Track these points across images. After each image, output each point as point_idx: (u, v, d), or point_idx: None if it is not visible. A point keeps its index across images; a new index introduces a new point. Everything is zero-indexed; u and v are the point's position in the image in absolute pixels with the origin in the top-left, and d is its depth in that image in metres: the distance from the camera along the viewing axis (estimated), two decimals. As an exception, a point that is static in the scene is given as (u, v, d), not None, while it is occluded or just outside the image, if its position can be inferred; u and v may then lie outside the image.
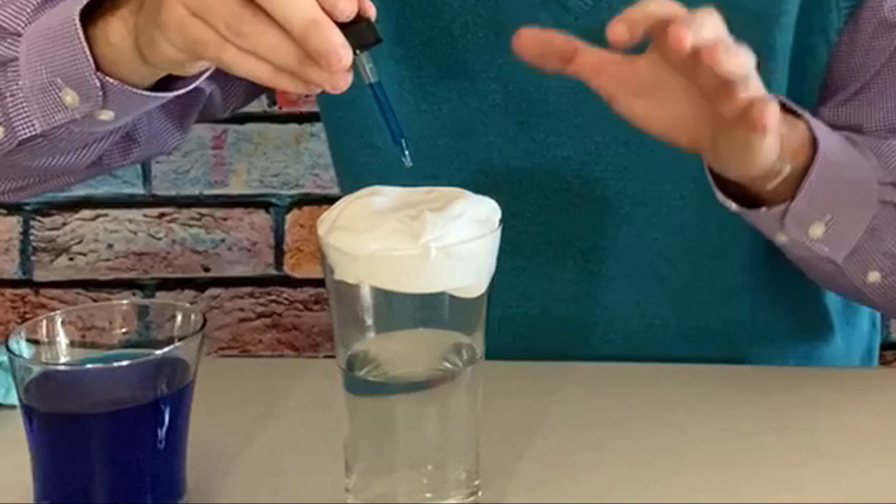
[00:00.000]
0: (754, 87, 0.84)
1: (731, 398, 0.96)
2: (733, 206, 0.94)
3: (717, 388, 0.97)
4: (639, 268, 1.07)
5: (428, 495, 0.80)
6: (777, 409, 0.95)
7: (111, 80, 0.86)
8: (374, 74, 0.79)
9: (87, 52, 0.86)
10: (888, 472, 0.87)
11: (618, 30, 0.83)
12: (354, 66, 0.77)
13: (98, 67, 0.86)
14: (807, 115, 0.95)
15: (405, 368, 0.80)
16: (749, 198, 0.94)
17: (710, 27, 0.82)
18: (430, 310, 0.77)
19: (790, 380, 1.00)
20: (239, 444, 0.90)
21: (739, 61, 0.82)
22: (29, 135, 0.91)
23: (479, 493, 0.82)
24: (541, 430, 0.91)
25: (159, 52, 0.82)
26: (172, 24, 0.79)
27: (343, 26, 0.76)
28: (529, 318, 1.08)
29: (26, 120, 0.90)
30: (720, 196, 0.94)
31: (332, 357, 0.81)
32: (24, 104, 0.90)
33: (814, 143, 0.93)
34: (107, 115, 0.89)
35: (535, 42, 0.87)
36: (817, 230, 0.95)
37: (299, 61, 0.76)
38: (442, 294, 0.77)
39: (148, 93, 0.88)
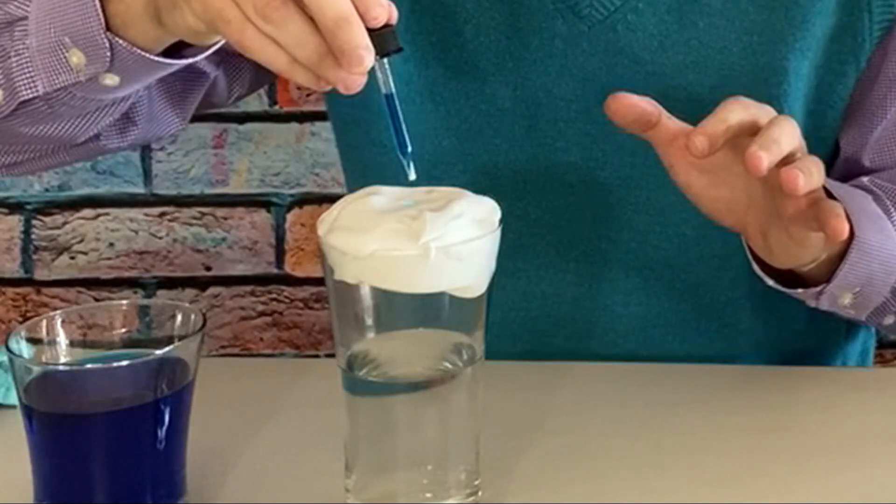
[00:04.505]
0: (819, 190, 0.87)
1: (730, 398, 0.96)
2: (770, 281, 0.98)
3: (717, 388, 0.97)
4: (640, 273, 1.07)
5: (428, 495, 0.80)
6: (775, 408, 0.95)
7: (120, 41, 0.84)
8: (390, 83, 0.78)
9: (99, 10, 0.84)
10: (886, 472, 0.87)
11: (698, 143, 0.85)
12: (371, 72, 0.77)
13: (108, 28, 0.84)
14: (839, 188, 0.96)
15: (405, 368, 0.80)
16: (783, 269, 0.97)
17: (787, 141, 0.85)
18: (430, 310, 0.77)
19: (788, 380, 1.00)
20: (239, 444, 0.90)
21: (814, 182, 0.85)
22: (30, 95, 0.89)
23: (479, 493, 0.82)
24: (541, 430, 0.91)
25: (178, 18, 0.80)
26: None
27: (369, 31, 0.75)
28: (530, 319, 1.08)
29: (29, 80, 0.88)
30: (758, 271, 0.97)
31: (334, 356, 0.81)
32: (29, 64, 0.88)
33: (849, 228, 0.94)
34: (111, 79, 0.87)
35: (626, 109, 0.90)
36: (846, 300, 0.98)
37: (319, 56, 0.75)
38: (442, 294, 0.77)
39: (155, 57, 0.86)
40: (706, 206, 0.93)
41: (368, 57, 0.75)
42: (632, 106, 0.90)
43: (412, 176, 0.80)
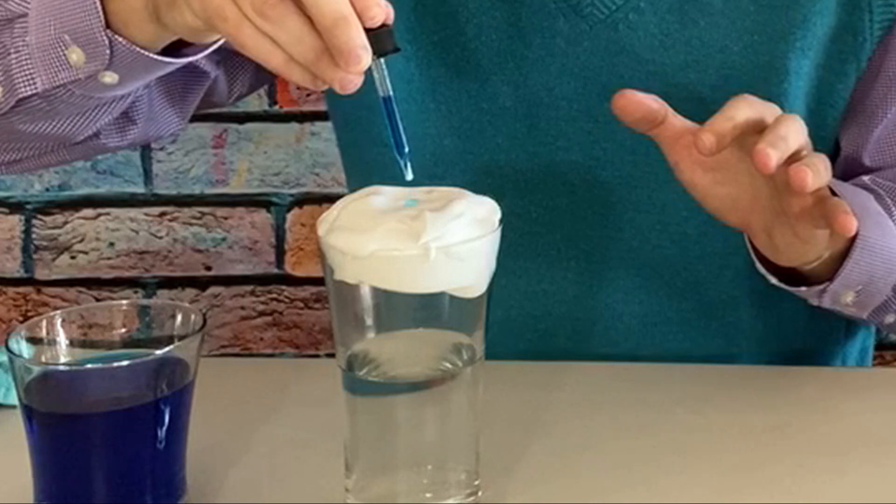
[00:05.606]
0: (825, 187, 0.87)
1: (731, 398, 0.96)
2: (773, 280, 0.98)
3: (717, 387, 0.97)
4: (641, 272, 1.07)
5: (428, 495, 0.80)
6: (775, 408, 0.95)
7: (119, 39, 0.84)
8: (387, 83, 0.78)
9: (99, 8, 0.84)
10: (886, 472, 0.87)
11: (706, 141, 0.85)
12: (368, 72, 0.77)
13: (107, 26, 0.84)
14: (841, 187, 0.96)
15: (405, 368, 0.80)
16: (785, 267, 0.97)
17: (794, 138, 0.85)
18: (430, 310, 0.77)
19: (788, 379, 1.00)
20: (239, 444, 0.90)
21: (821, 179, 0.85)
22: (29, 92, 0.89)
23: (479, 493, 0.82)
24: (541, 430, 0.91)
25: (177, 16, 0.80)
26: None
27: (366, 31, 0.75)
28: (531, 318, 1.08)
29: (28, 77, 0.89)
30: (761, 269, 0.97)
31: (334, 356, 0.81)
32: (28, 61, 0.88)
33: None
34: (111, 77, 0.87)
35: (633, 106, 0.90)
36: (848, 298, 0.98)
37: (316, 55, 0.76)
38: (442, 294, 0.77)
39: (155, 56, 0.86)
40: (711, 204, 0.93)
41: (365, 56, 0.75)
42: (638, 103, 0.90)
43: (409, 176, 0.80)
